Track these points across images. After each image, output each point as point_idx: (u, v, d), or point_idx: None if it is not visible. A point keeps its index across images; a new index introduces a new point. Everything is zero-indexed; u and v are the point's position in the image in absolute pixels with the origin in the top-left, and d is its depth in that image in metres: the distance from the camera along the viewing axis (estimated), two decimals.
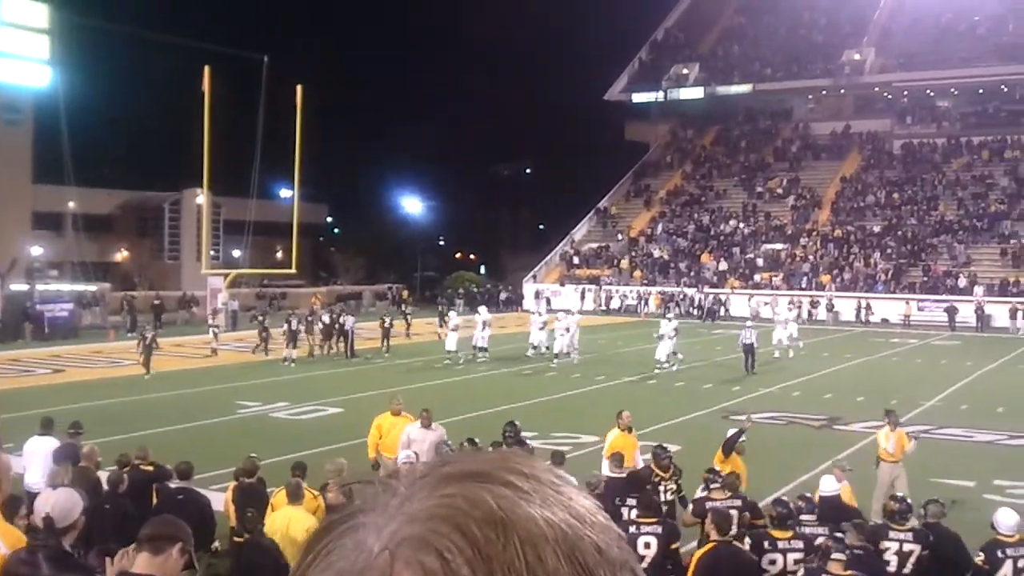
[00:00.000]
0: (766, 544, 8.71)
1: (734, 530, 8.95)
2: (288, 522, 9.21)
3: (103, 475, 11.45)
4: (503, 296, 60.29)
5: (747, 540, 8.97)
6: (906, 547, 9.10)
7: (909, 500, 9.76)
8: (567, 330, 32.32)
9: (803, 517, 9.48)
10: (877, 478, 13.42)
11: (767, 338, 33.57)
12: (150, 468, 11.40)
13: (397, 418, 14.17)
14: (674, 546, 9.28)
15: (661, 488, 11.03)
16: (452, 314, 33.44)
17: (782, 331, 34.54)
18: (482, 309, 34.54)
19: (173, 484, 10.80)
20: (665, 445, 12.40)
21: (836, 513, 10.06)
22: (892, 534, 9.21)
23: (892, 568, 9.02)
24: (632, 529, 9.21)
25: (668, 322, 31.09)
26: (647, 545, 9.10)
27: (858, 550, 8.53)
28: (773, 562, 8.70)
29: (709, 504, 10.09)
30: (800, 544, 8.84)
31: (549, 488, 0.73)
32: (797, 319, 38.46)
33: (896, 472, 13.42)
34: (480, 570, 0.66)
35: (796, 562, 8.65)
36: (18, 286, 43.19)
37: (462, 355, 31.74)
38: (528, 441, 14.25)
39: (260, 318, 36.85)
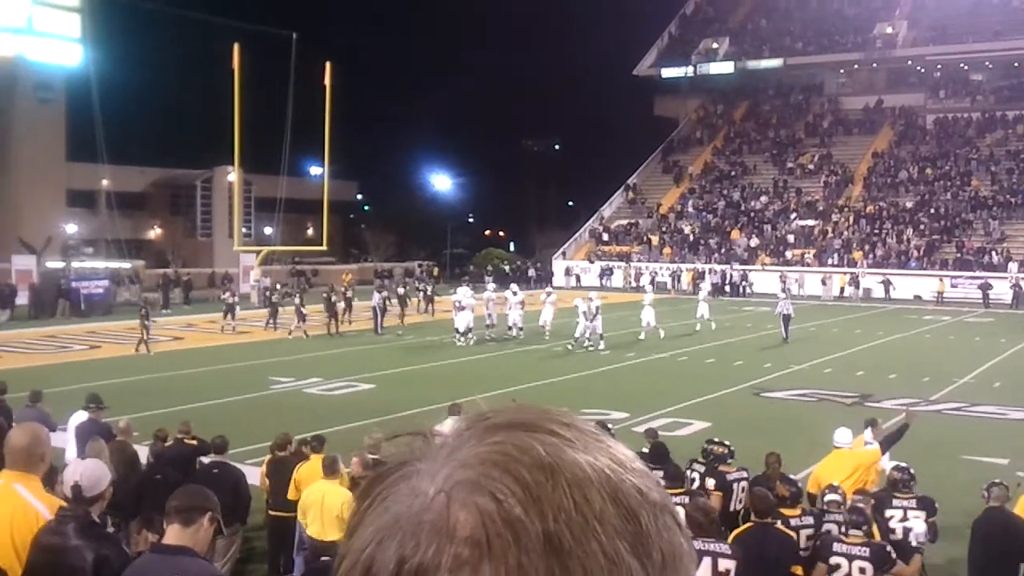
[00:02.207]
0: (779, 522, 8.74)
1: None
2: (323, 496, 9.33)
3: (140, 449, 11.66)
4: (531, 273, 60.26)
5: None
6: (911, 514, 9.15)
7: (912, 470, 9.73)
8: (520, 305, 32.02)
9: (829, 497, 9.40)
10: None
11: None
12: (193, 442, 11.54)
13: None
14: None
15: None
16: (462, 290, 32.98)
17: (649, 312, 32.51)
18: (513, 286, 34.57)
19: (208, 458, 10.94)
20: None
21: None
22: (896, 502, 9.24)
23: (899, 536, 9.02)
24: None
25: (583, 302, 30.22)
26: None
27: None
28: None
29: (730, 477, 10.17)
30: (811, 520, 8.87)
31: (590, 437, 0.77)
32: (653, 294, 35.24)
33: None
34: (532, 511, 0.69)
35: (808, 539, 8.67)
36: (54, 263, 43.74)
37: (469, 336, 31.05)
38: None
39: (268, 294, 37.44)
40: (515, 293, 32.73)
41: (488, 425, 0.77)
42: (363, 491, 0.77)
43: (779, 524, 8.42)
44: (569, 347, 29.75)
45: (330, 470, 9.60)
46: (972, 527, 9.23)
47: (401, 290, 38.02)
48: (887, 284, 50.56)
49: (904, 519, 9.13)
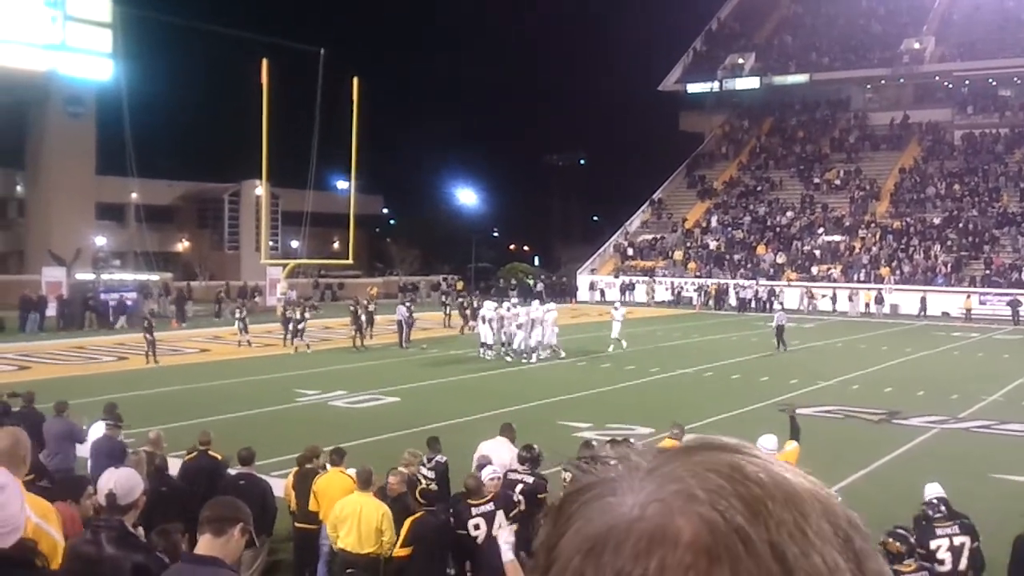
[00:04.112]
0: None
1: None
2: (360, 508, 9.38)
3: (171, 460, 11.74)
4: (538, 287, 59.85)
5: None
6: (956, 540, 8.94)
7: (945, 499, 9.55)
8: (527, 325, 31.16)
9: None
10: None
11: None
12: (217, 456, 11.58)
13: None
14: None
15: None
16: (488, 304, 32.97)
17: (550, 331, 31.59)
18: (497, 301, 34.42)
19: (235, 470, 11.00)
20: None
21: None
22: (939, 531, 9.04)
23: (947, 567, 8.79)
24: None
25: (523, 313, 30.83)
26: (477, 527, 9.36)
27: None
28: None
29: None
30: None
31: (778, 463, 0.76)
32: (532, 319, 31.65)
33: None
34: (754, 521, 0.68)
35: None
36: (83, 276, 44.14)
37: (490, 350, 30.99)
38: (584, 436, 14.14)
39: (283, 310, 37.57)
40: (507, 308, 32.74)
41: (685, 447, 0.76)
42: (560, 506, 0.75)
43: None
44: (509, 358, 30.19)
45: (365, 483, 9.65)
46: (1014, 544, 9.13)
47: (463, 302, 40.20)
48: (923, 300, 49.86)
49: (951, 547, 8.92)
